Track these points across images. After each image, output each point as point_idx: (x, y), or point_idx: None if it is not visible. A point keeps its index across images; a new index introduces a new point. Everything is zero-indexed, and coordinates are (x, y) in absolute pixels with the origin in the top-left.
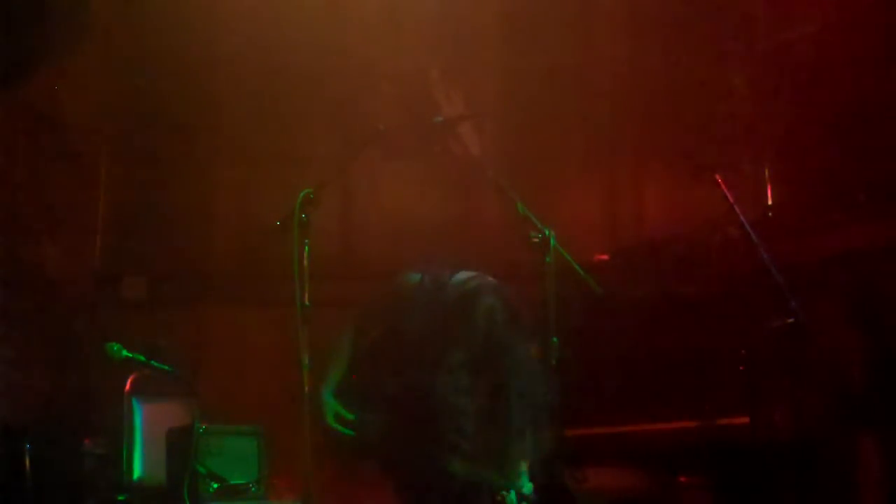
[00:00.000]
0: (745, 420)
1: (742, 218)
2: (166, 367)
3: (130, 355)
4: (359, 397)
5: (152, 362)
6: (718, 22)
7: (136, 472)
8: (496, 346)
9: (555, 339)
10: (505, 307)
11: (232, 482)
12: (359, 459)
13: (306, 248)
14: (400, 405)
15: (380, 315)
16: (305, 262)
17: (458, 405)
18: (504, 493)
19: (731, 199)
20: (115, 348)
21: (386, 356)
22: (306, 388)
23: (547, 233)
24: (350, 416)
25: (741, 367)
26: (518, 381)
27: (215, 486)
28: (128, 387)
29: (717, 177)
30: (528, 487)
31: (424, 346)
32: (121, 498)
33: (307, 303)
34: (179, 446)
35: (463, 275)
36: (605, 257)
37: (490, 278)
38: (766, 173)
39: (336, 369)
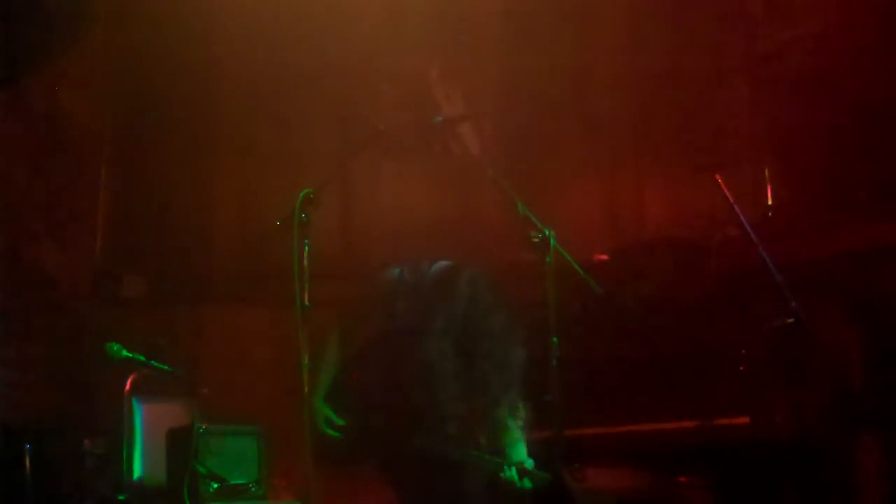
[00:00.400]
0: (745, 420)
1: (742, 218)
2: (166, 367)
3: (130, 355)
4: (351, 397)
5: (152, 362)
6: (719, 22)
7: (136, 472)
8: (476, 318)
9: (555, 339)
10: (483, 280)
11: (232, 482)
12: (354, 461)
13: (306, 248)
14: (393, 398)
15: (366, 313)
16: (305, 262)
17: (449, 390)
18: (506, 469)
19: (731, 199)
20: (115, 348)
21: (376, 351)
22: (306, 389)
23: (547, 233)
24: (340, 420)
25: (741, 367)
26: (500, 351)
27: (215, 486)
28: (128, 387)
29: (717, 177)
30: (529, 463)
31: (413, 334)
32: (121, 498)
33: (307, 303)
34: (179, 446)
35: (441, 263)
36: (605, 257)
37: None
38: (766, 173)
39: (325, 374)
